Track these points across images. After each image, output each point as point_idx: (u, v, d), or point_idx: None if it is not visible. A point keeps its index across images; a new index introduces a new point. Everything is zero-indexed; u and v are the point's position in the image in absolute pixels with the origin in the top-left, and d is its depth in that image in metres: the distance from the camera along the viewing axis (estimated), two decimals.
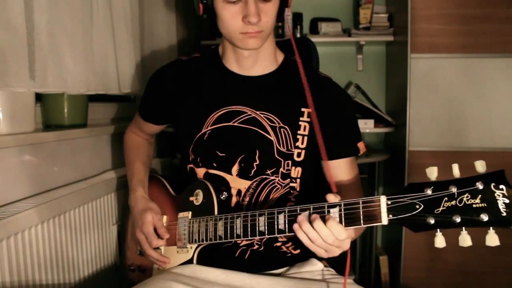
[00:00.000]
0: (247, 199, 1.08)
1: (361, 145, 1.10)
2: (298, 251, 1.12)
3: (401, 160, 2.10)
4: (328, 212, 0.83)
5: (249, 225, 0.94)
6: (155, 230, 1.10)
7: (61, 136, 1.33)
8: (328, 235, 0.82)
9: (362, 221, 0.80)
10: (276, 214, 0.90)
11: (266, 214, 0.92)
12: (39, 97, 1.34)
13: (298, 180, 1.09)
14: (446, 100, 2.05)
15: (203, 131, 1.09)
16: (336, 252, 0.86)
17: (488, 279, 2.05)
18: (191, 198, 1.08)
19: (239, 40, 0.99)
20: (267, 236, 0.92)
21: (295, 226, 0.85)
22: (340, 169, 1.08)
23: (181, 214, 1.09)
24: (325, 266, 1.11)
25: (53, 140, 1.32)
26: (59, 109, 1.37)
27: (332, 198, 0.84)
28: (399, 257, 2.11)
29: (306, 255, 1.11)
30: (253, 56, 1.06)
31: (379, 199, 0.78)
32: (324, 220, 0.82)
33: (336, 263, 1.12)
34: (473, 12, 1.98)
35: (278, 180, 1.08)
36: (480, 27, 1.98)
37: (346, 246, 0.85)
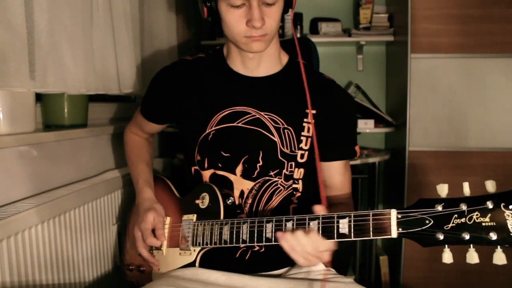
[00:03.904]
0: (249, 200, 1.08)
1: (357, 149, 1.13)
2: None
3: (401, 160, 2.10)
4: (337, 222, 0.84)
5: (255, 231, 0.94)
6: (154, 230, 1.09)
7: (61, 136, 1.33)
8: (307, 244, 0.84)
9: (371, 233, 0.80)
10: (284, 221, 0.91)
11: (274, 221, 0.92)
12: (39, 97, 1.34)
13: (300, 181, 1.10)
14: (446, 100, 2.05)
15: (207, 131, 1.09)
16: (315, 262, 0.88)
17: (488, 279, 2.05)
18: (196, 201, 1.07)
19: (243, 43, 0.99)
20: (273, 243, 0.92)
21: (279, 233, 0.88)
22: (336, 171, 1.12)
23: (185, 217, 1.09)
24: (326, 266, 1.11)
25: (53, 140, 1.31)
26: (59, 109, 1.37)
27: (319, 209, 0.87)
28: (399, 257, 2.11)
29: None
30: (258, 57, 1.06)
31: (390, 212, 0.79)
32: (307, 231, 0.84)
33: (336, 263, 1.12)
34: (473, 12, 1.98)
35: (281, 181, 1.08)
36: (480, 27, 1.98)
37: (326, 257, 0.87)
